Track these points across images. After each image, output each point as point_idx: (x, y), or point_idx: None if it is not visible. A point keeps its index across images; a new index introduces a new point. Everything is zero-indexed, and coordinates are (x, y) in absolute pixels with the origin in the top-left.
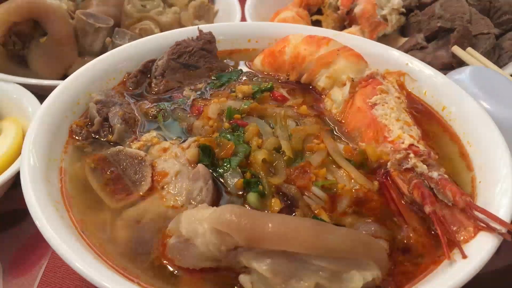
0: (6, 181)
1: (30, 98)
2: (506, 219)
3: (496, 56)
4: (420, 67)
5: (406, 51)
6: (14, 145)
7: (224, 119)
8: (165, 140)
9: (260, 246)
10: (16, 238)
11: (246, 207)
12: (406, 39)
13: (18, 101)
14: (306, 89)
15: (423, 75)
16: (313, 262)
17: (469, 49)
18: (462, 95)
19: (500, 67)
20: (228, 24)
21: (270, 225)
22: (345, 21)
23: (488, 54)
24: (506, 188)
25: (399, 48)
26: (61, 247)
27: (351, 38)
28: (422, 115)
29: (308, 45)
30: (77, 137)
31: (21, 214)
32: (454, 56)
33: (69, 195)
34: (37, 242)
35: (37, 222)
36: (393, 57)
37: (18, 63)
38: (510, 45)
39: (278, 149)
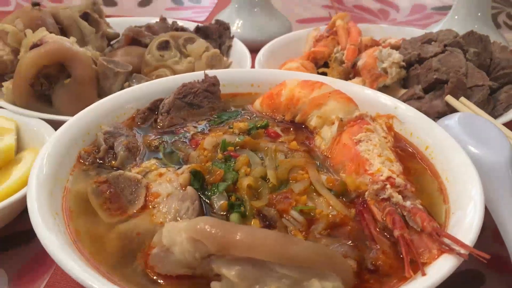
0: (19, 199)
1: (49, 131)
2: (470, 242)
3: (491, 107)
4: (407, 111)
5: (404, 101)
6: (29, 170)
7: (219, 151)
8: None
9: (230, 253)
10: (24, 255)
11: None
12: (406, 90)
13: (39, 133)
14: (299, 128)
15: (409, 118)
16: (277, 269)
17: (462, 98)
18: (443, 136)
19: (495, 117)
20: (233, 70)
21: (239, 234)
22: (350, 74)
23: (482, 105)
24: (472, 217)
25: (399, 98)
26: (51, 245)
27: (346, 84)
28: (407, 153)
29: (302, 88)
30: (84, 162)
31: (32, 234)
32: (448, 105)
33: (68, 209)
34: (43, 259)
35: (33, 224)
36: (383, 102)
37: (44, 102)
38: (505, 97)
39: (264, 178)
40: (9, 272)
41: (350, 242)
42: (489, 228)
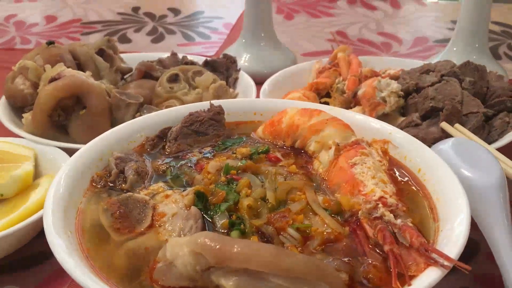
0: (36, 221)
1: (65, 158)
2: (455, 256)
3: (486, 133)
4: (400, 136)
5: (402, 128)
6: (46, 194)
7: (222, 174)
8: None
9: (228, 265)
10: (40, 274)
11: None
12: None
13: (56, 161)
14: (299, 153)
15: (403, 143)
16: (271, 280)
17: (457, 125)
18: (432, 157)
19: (490, 143)
20: (237, 100)
21: (236, 246)
22: (351, 103)
23: (477, 131)
24: (459, 232)
25: (397, 126)
26: (65, 257)
27: (343, 112)
28: (401, 176)
29: (301, 116)
30: (96, 185)
31: (47, 255)
32: (443, 131)
33: (81, 228)
34: (57, 278)
35: (49, 240)
36: (374, 126)
37: (60, 131)
38: (500, 123)
39: (264, 199)
40: None
41: (344, 257)
42: (483, 247)
